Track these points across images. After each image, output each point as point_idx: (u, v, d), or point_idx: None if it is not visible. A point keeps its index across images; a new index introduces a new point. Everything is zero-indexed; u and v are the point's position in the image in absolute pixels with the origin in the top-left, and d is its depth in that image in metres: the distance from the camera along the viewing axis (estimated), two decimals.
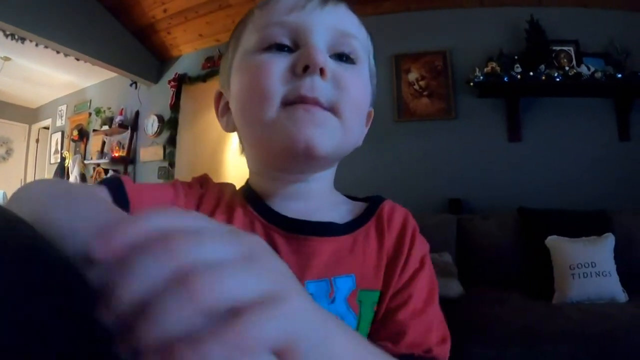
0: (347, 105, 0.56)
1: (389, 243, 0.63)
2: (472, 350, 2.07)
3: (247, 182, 0.69)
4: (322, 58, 0.54)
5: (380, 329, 0.58)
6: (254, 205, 0.63)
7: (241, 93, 0.59)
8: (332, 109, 0.55)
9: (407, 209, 0.70)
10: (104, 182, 0.53)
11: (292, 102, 0.54)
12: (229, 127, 0.67)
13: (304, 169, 0.62)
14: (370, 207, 0.67)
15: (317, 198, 0.65)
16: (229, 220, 0.61)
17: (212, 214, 0.61)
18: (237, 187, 0.70)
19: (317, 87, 0.54)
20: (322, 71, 0.54)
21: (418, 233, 0.66)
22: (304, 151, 0.54)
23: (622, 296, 2.44)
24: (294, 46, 0.57)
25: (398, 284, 0.60)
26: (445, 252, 2.94)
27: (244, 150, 0.69)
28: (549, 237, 2.72)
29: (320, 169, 0.63)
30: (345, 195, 0.72)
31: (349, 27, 0.61)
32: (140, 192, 0.56)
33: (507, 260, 3.00)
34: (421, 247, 0.64)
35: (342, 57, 0.59)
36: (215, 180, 0.69)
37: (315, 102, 0.54)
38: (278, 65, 0.55)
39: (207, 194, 0.64)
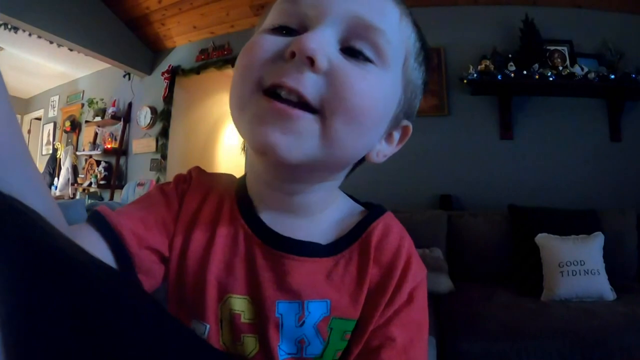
0: (339, 110, 0.46)
1: (374, 273, 0.57)
2: (460, 345, 2.07)
3: (244, 179, 0.64)
4: (315, 45, 0.45)
5: None
6: (243, 211, 0.60)
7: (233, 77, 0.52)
8: (319, 111, 0.46)
9: (402, 226, 0.63)
10: (90, 222, 0.53)
11: (270, 89, 0.46)
12: None
13: (284, 175, 0.55)
14: (361, 225, 0.60)
15: (311, 214, 0.60)
16: (215, 226, 0.59)
17: (194, 218, 0.60)
18: (237, 178, 0.66)
19: (303, 79, 0.45)
20: (311, 62, 0.45)
21: (413, 260, 0.59)
22: (261, 152, 0.48)
23: (610, 294, 2.45)
24: (301, 30, 0.49)
25: (380, 319, 0.55)
26: (435, 247, 2.95)
27: None
28: (539, 235, 2.73)
29: (309, 180, 0.56)
30: (349, 195, 0.67)
31: (376, 17, 0.49)
32: (116, 212, 0.55)
33: (497, 256, 3.01)
34: (414, 278, 0.57)
35: (357, 54, 0.48)
36: (209, 170, 0.67)
37: (298, 95, 0.45)
38: (268, 45, 0.48)
39: (190, 191, 0.62)
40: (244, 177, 0.65)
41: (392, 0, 0.52)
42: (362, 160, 0.58)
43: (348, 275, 0.57)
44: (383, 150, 0.58)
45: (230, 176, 0.67)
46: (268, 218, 0.59)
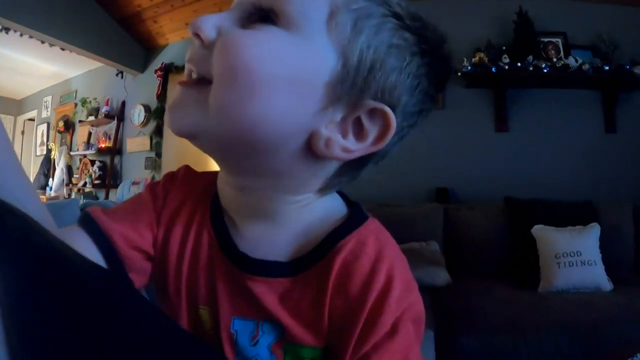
0: (216, 74, 0.44)
1: (337, 303, 0.49)
2: (458, 339, 2.07)
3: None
4: (199, 22, 0.45)
5: None
6: (213, 214, 0.57)
7: None
8: (203, 81, 0.46)
9: (384, 238, 0.54)
10: (81, 225, 0.53)
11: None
12: None
13: (218, 161, 0.53)
14: (329, 240, 0.52)
15: (279, 221, 0.54)
16: (186, 235, 0.57)
17: (171, 222, 0.58)
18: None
19: (193, 55, 0.47)
20: (198, 37, 0.46)
21: (395, 285, 0.49)
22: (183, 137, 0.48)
23: (607, 285, 2.46)
24: None
25: (359, 351, 0.47)
26: (432, 240, 2.95)
27: None
28: (535, 227, 2.73)
29: (245, 170, 0.51)
30: (341, 194, 0.59)
31: None
32: (106, 212, 0.55)
33: (494, 249, 3.01)
34: (396, 306, 0.48)
35: (253, 22, 0.46)
36: (203, 169, 0.65)
37: (188, 72, 0.48)
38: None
39: (172, 191, 0.61)
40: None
41: None
42: (357, 162, 0.51)
43: (304, 301, 0.51)
44: (341, 142, 0.47)
45: (212, 177, 0.61)
46: (232, 222, 0.56)
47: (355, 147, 0.48)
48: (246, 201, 0.54)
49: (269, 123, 0.45)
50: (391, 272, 0.49)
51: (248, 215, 0.55)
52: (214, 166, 0.56)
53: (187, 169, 0.65)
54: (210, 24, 0.45)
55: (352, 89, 0.46)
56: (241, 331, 0.53)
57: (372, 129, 0.48)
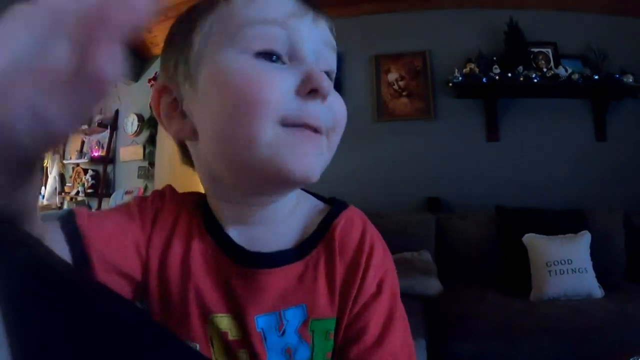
0: (337, 130, 0.55)
1: (341, 268, 0.58)
2: (451, 347, 2.08)
3: (205, 200, 0.63)
4: (327, 84, 0.50)
5: None
6: (211, 232, 0.59)
7: (227, 101, 0.49)
8: (326, 133, 0.53)
9: (365, 217, 0.64)
10: (58, 219, 0.54)
11: (292, 125, 0.49)
12: (183, 133, 0.55)
13: (278, 193, 0.57)
14: (324, 223, 0.60)
15: (279, 220, 0.60)
16: (187, 249, 0.58)
17: (168, 238, 0.59)
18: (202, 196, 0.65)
19: (320, 113, 0.51)
20: (325, 98, 0.51)
21: (376, 248, 0.59)
22: (299, 179, 0.50)
23: (598, 292, 2.47)
24: (287, 58, 0.51)
25: (352, 312, 0.57)
26: (424, 250, 2.95)
27: (195, 164, 0.60)
28: (526, 235, 2.74)
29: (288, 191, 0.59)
30: (311, 194, 0.67)
31: (329, 38, 0.56)
32: (92, 222, 0.55)
33: (485, 258, 3.02)
34: (379, 267, 0.58)
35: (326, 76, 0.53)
36: (195, 180, 0.65)
37: (317, 130, 0.51)
38: (282, 80, 0.49)
39: (164, 209, 0.61)
40: (205, 200, 0.63)
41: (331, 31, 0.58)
42: None
43: (319, 275, 0.57)
44: None
45: (198, 194, 0.65)
46: (236, 233, 0.59)
47: None
48: (262, 213, 0.59)
49: None
50: (373, 241, 0.60)
51: (251, 223, 0.59)
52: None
53: (172, 189, 0.66)
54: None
55: None
56: (267, 327, 0.55)
57: None
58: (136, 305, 0.52)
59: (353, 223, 0.61)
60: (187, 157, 0.61)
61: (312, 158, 0.50)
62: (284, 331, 0.55)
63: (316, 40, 0.53)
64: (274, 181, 0.51)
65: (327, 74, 0.53)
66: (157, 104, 0.56)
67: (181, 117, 0.55)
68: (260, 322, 0.55)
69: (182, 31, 0.56)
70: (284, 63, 0.51)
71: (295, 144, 0.49)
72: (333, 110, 0.53)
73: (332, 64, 0.57)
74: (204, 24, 0.53)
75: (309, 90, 0.49)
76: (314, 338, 0.56)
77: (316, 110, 0.50)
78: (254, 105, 0.48)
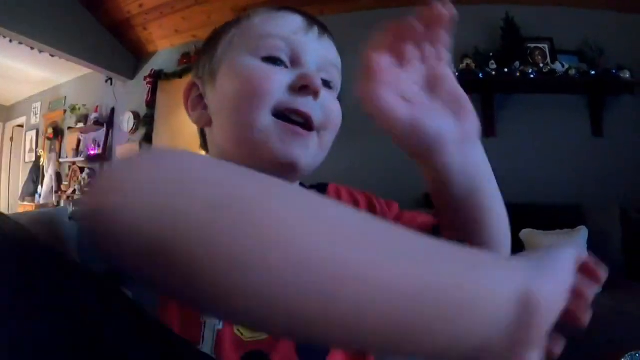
0: (329, 128, 0.63)
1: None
2: None
3: None
4: (319, 83, 0.59)
5: None
6: None
7: (234, 92, 0.60)
8: (318, 130, 0.61)
9: (351, 188, 0.76)
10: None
11: (283, 113, 0.58)
12: (203, 120, 0.67)
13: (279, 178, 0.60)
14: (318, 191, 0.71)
15: None
16: None
17: None
18: None
19: (311, 105, 0.59)
20: (316, 94, 0.59)
21: (375, 198, 0.75)
22: (284, 163, 0.58)
23: None
24: (290, 64, 0.61)
25: None
26: None
27: (209, 148, 0.70)
28: (523, 231, 2.74)
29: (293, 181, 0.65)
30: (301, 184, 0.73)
31: (335, 58, 0.67)
32: None
33: None
34: (390, 208, 0.76)
35: (326, 84, 0.64)
36: None
37: (307, 118, 0.58)
38: (278, 76, 0.59)
39: None
40: None
41: (335, 46, 0.68)
42: None
43: None
44: None
45: None
46: None
47: None
48: None
49: None
50: (369, 194, 0.77)
51: None
52: None
53: None
54: (322, 90, 0.60)
55: None
56: None
57: None
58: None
59: (341, 192, 0.74)
60: (205, 143, 0.71)
61: (295, 149, 0.58)
62: None
63: (320, 54, 0.63)
64: (270, 163, 0.57)
65: (327, 82, 0.63)
66: (187, 96, 0.70)
67: (203, 108, 0.67)
68: None
69: (212, 41, 0.68)
70: (286, 67, 0.60)
71: (282, 133, 0.57)
72: (325, 107, 0.61)
73: (333, 77, 0.65)
74: (228, 34, 0.66)
75: (301, 86, 0.58)
76: None
77: (307, 104, 0.59)
78: (252, 96, 0.58)
